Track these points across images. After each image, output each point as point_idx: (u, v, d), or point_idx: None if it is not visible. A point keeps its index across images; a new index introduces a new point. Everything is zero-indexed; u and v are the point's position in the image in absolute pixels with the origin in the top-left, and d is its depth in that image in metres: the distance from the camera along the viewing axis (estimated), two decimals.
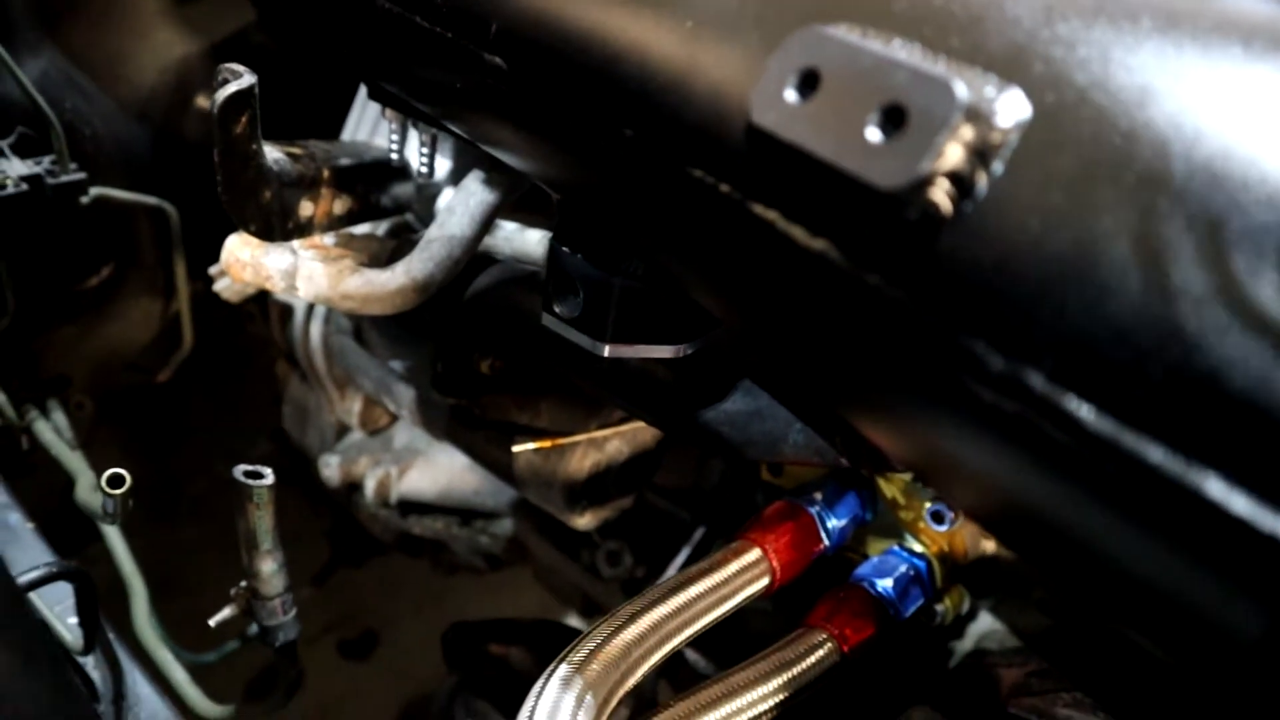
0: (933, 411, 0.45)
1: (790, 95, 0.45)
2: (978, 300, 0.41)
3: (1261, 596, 0.35)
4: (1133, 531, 0.39)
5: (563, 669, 0.66)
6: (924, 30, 0.45)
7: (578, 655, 0.67)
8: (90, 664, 0.91)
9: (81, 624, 0.89)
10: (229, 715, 1.02)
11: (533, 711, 0.63)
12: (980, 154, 0.40)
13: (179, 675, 1.04)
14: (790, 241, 0.47)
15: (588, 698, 0.65)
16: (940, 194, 0.41)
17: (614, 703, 0.67)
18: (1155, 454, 0.36)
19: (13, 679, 0.51)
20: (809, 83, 0.45)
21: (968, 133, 0.40)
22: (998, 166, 0.41)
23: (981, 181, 0.41)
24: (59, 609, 0.94)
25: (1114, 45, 0.41)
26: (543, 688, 0.65)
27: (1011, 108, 0.40)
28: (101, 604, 0.89)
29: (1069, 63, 0.41)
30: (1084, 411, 0.38)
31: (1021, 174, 0.40)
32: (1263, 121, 0.37)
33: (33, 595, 0.92)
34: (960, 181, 0.40)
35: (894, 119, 0.41)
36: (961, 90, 0.40)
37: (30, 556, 1.02)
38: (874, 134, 0.42)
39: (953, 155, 0.40)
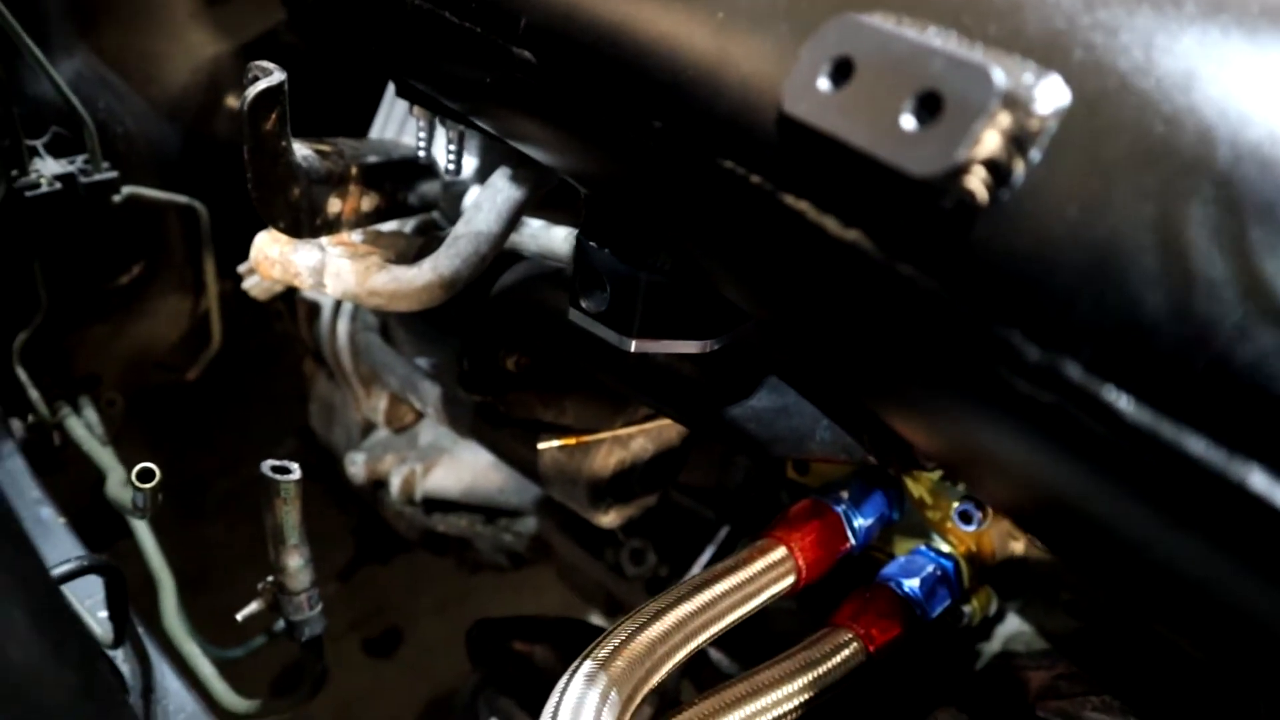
0: (967, 403, 0.44)
1: (823, 84, 0.45)
2: (1014, 290, 0.40)
3: None
4: (1172, 526, 0.38)
5: (587, 665, 0.66)
6: (961, 18, 0.45)
7: (602, 651, 0.67)
8: (120, 657, 0.92)
9: (111, 617, 0.90)
10: (255, 709, 1.03)
11: (557, 707, 0.63)
12: (1018, 141, 0.40)
13: (206, 669, 1.05)
14: (822, 232, 0.46)
15: (612, 694, 0.64)
16: (976, 182, 0.40)
17: (638, 699, 0.67)
18: (1196, 446, 0.36)
19: (45, 669, 0.51)
20: (842, 71, 0.44)
21: (1005, 120, 0.39)
22: (1035, 154, 0.40)
23: (1019, 169, 0.40)
24: (89, 603, 0.95)
25: (1157, 31, 0.40)
26: (567, 684, 0.65)
27: (1050, 94, 0.40)
28: (131, 598, 0.90)
29: (1110, 49, 0.41)
30: (1122, 402, 0.37)
31: (1060, 161, 0.40)
32: None
33: (64, 589, 0.94)
34: (997, 169, 0.40)
35: (929, 106, 0.41)
36: (999, 77, 0.39)
37: (62, 550, 1.03)
38: (909, 122, 0.41)
39: (989, 143, 0.39)
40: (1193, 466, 0.36)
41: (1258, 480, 0.34)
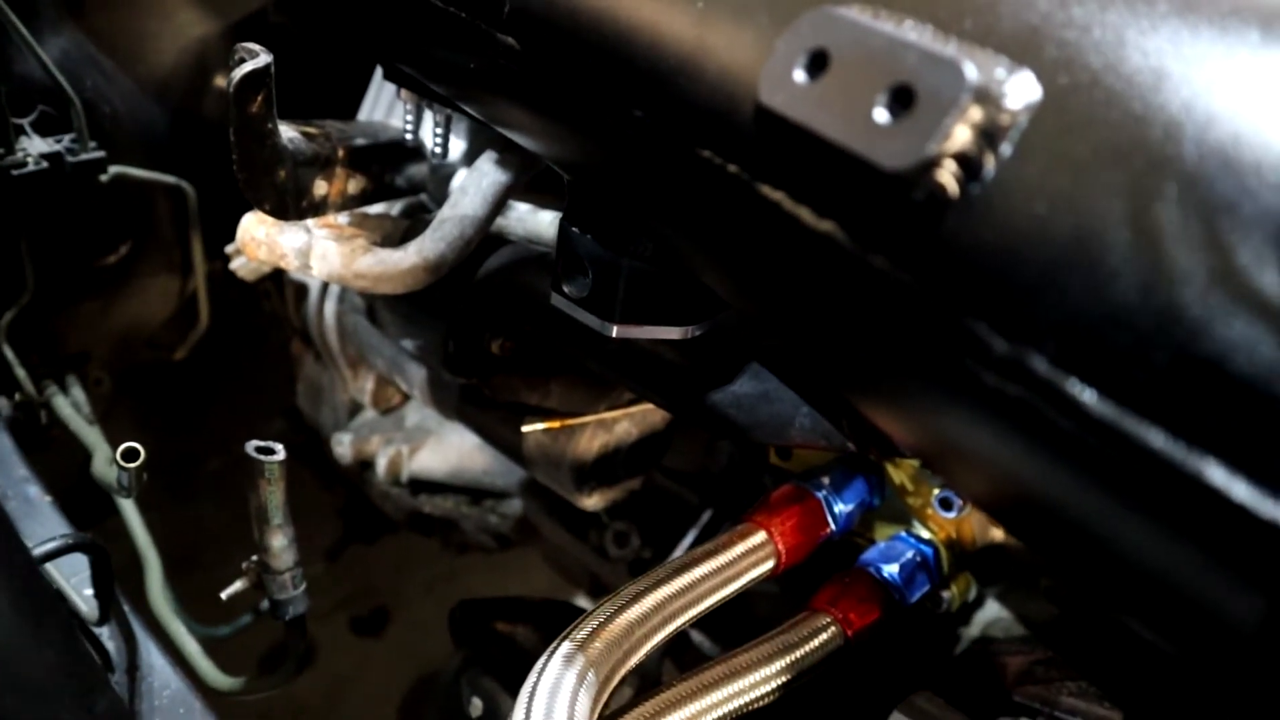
0: (936, 395, 0.45)
1: (799, 76, 0.45)
2: (982, 283, 0.40)
3: (1260, 585, 0.35)
4: (1133, 518, 0.39)
5: (565, 647, 0.66)
6: (937, 12, 0.45)
7: (580, 633, 0.68)
8: (105, 635, 0.93)
9: (96, 595, 0.90)
10: (239, 687, 1.03)
11: (534, 688, 0.63)
12: (988, 136, 0.40)
13: (191, 647, 1.05)
14: (797, 222, 0.47)
15: (590, 675, 0.65)
16: (947, 176, 0.40)
17: (616, 681, 0.68)
18: (1156, 439, 0.36)
19: (24, 647, 0.52)
20: (818, 63, 0.44)
21: (976, 114, 0.40)
22: (1006, 149, 0.40)
23: (989, 164, 0.40)
24: (75, 580, 0.95)
25: (1129, 28, 0.41)
26: (545, 665, 0.65)
27: (1021, 90, 0.40)
28: (118, 577, 0.91)
29: (1083, 45, 0.41)
30: (1086, 396, 0.38)
31: (1030, 156, 0.40)
32: (1277, 107, 0.37)
33: (50, 566, 0.94)
34: (968, 163, 0.40)
35: (902, 100, 0.41)
36: (971, 71, 0.39)
37: (48, 528, 1.03)
38: (882, 115, 0.41)
39: (960, 137, 0.40)
40: (1153, 460, 0.37)
41: (1215, 474, 0.35)
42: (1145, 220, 0.37)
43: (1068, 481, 0.41)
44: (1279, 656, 0.36)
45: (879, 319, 0.45)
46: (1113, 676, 0.84)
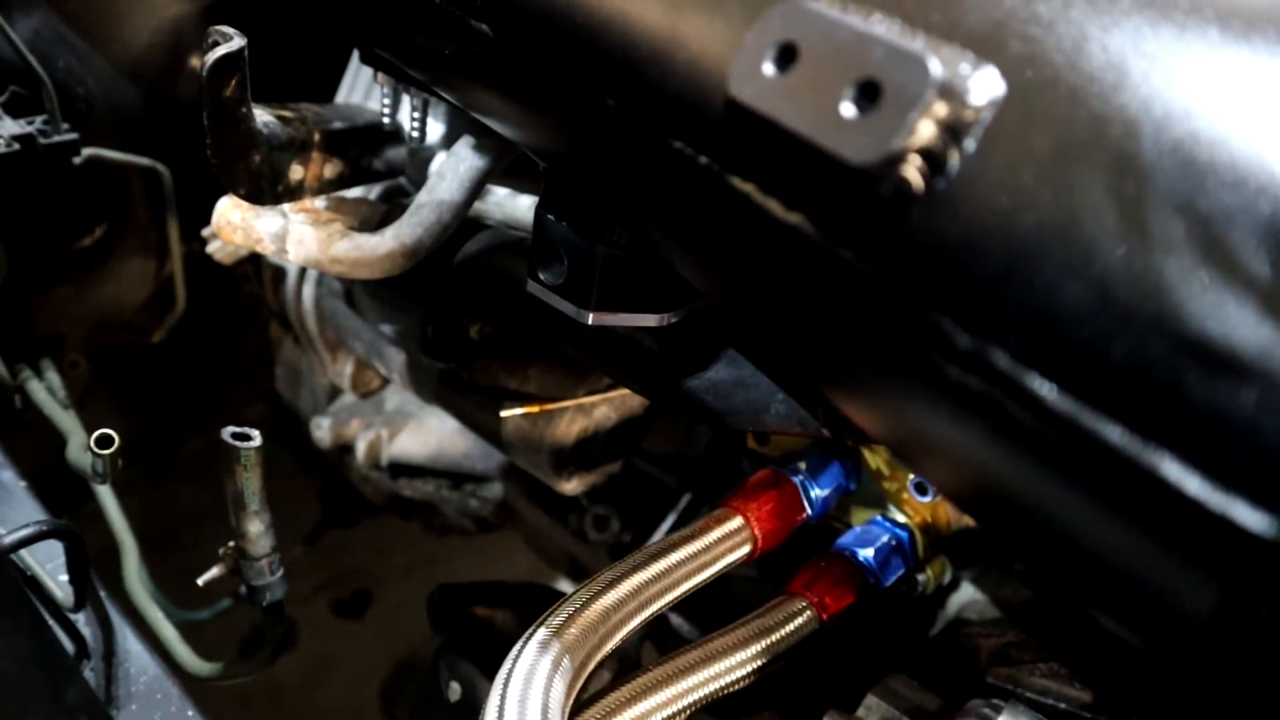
0: (902, 387, 0.45)
1: (768, 69, 0.45)
2: (946, 277, 0.41)
3: (1212, 576, 0.36)
4: (1093, 511, 0.40)
5: (541, 633, 0.67)
6: (905, 6, 0.45)
7: (556, 619, 0.68)
8: (81, 621, 0.93)
9: (72, 581, 0.90)
10: (217, 672, 1.03)
11: (509, 674, 0.64)
12: (953, 131, 0.40)
13: (169, 632, 1.05)
14: (766, 214, 0.47)
15: (565, 661, 0.65)
16: (912, 170, 0.41)
17: (591, 666, 0.68)
18: (1114, 434, 0.37)
19: None
20: (787, 56, 0.44)
21: (941, 109, 0.40)
22: (970, 144, 0.41)
23: (953, 159, 0.41)
24: (50, 566, 0.95)
25: (1091, 25, 0.41)
26: (520, 651, 0.66)
27: (985, 86, 0.40)
28: (96, 562, 0.90)
29: (1046, 42, 0.41)
30: (1046, 390, 0.38)
31: (994, 152, 0.40)
32: (1233, 104, 0.37)
33: (25, 553, 0.94)
34: (932, 158, 0.41)
35: (869, 94, 0.41)
36: (936, 67, 0.40)
37: (22, 514, 1.03)
38: (848, 109, 0.42)
39: (925, 132, 0.40)
40: (1111, 454, 0.37)
41: (1170, 468, 0.36)
42: (1103, 217, 0.37)
43: (1029, 475, 0.41)
44: (1232, 646, 0.37)
45: (846, 311, 0.46)
46: (1085, 658, 0.85)
